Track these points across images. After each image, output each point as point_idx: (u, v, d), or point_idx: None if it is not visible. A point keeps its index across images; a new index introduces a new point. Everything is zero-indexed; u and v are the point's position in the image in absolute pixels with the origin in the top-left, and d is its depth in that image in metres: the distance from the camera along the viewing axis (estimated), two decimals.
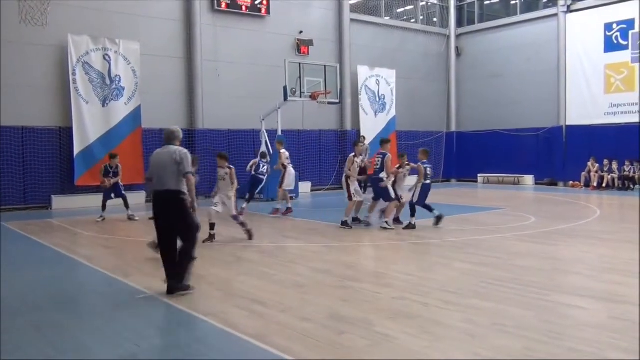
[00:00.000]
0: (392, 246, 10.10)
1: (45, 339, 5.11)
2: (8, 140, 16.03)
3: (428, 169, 11.70)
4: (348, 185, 12.04)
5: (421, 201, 11.58)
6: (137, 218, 13.73)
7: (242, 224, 10.35)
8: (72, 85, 16.69)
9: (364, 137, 21.55)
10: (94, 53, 17.11)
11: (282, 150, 14.80)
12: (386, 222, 11.51)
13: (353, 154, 12.32)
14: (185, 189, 6.52)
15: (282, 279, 7.35)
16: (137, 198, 17.51)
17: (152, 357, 4.68)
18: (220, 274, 7.49)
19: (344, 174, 12.21)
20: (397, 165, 12.30)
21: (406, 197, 11.99)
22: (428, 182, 11.68)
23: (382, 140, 12.61)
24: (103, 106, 17.30)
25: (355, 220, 12.19)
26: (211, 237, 10.12)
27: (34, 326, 5.46)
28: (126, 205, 13.93)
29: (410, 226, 11.43)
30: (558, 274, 7.56)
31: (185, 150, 6.62)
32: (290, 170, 14.74)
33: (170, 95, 18.98)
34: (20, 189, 16.30)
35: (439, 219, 11.54)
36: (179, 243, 6.66)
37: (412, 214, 11.54)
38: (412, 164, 12.31)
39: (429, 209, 11.58)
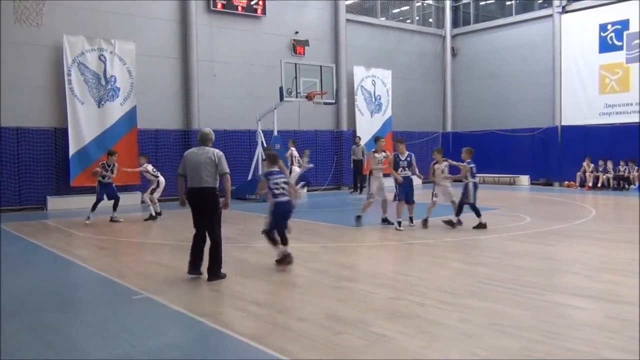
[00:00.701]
0: (388, 246, 10.10)
1: (41, 340, 5.08)
2: (3, 141, 15.95)
3: (473, 167, 11.59)
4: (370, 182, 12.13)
5: (468, 200, 11.49)
6: (121, 220, 13.58)
7: None
8: (67, 85, 16.62)
9: (360, 138, 21.61)
10: (90, 53, 17.04)
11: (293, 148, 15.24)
12: (398, 222, 11.43)
13: (374, 149, 12.39)
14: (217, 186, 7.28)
15: (279, 279, 7.34)
16: (133, 199, 17.50)
17: (148, 357, 4.66)
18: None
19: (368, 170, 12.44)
20: (433, 162, 12.16)
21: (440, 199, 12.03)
22: (475, 180, 11.57)
23: (397, 140, 12.61)
24: (98, 107, 17.24)
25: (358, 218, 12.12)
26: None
27: (30, 327, 5.43)
28: (115, 207, 13.66)
29: (482, 225, 11.21)
30: (555, 274, 7.57)
31: (221, 152, 7.31)
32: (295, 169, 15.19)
33: (166, 95, 18.93)
34: (16, 190, 16.22)
35: (481, 225, 11.24)
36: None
37: (478, 214, 11.35)
38: (451, 161, 12.29)
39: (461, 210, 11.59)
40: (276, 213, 7.81)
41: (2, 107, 15.83)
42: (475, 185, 11.56)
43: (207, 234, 7.38)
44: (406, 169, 11.82)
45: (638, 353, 4.46)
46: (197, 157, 7.22)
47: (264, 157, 15.27)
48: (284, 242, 7.88)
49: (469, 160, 11.66)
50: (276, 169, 8.05)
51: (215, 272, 7.21)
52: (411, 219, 11.93)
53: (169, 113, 18.92)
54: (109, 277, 7.56)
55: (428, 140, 25.85)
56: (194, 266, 7.33)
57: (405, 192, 11.73)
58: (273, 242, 7.86)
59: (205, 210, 7.21)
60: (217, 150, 7.29)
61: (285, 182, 7.93)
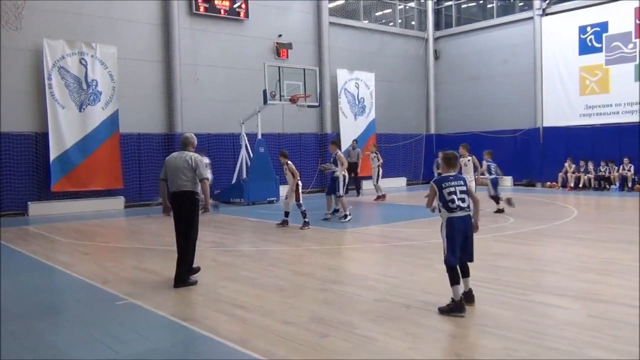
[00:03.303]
0: (373, 248, 10.12)
1: (23, 348, 5.02)
2: None
3: (491, 166, 14.40)
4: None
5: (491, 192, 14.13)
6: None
7: (303, 213, 12.13)
8: (47, 89, 16.41)
9: (356, 142, 21.86)
10: (70, 57, 16.86)
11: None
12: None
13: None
14: (199, 190, 7.31)
15: (264, 282, 7.32)
16: (116, 203, 17.37)
17: None
18: (201, 279, 7.43)
19: None
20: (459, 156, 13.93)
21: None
22: (493, 176, 14.27)
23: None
24: (80, 111, 17.05)
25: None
26: (284, 222, 12.51)
27: (11, 334, 5.35)
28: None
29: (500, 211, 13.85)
30: (537, 274, 7.64)
31: (200, 157, 7.39)
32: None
33: (148, 99, 18.79)
34: None
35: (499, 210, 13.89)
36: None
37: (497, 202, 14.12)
38: (474, 157, 14.37)
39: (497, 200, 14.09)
40: (453, 234, 5.78)
41: None
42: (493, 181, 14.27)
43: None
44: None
45: (620, 351, 4.53)
46: (175, 162, 7.29)
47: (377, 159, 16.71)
48: (464, 273, 5.92)
49: (490, 160, 14.40)
50: (453, 173, 6.03)
51: (181, 279, 7.16)
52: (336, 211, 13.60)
53: (151, 117, 18.79)
54: (92, 283, 7.49)
55: (412, 142, 25.98)
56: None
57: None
58: (453, 278, 5.75)
59: (184, 214, 7.26)
60: (195, 155, 7.35)
61: (464, 192, 5.85)
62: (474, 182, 13.73)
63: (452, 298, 5.66)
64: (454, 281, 5.71)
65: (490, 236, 10.70)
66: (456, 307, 5.60)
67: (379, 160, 18.82)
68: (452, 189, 5.80)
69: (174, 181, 7.26)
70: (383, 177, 19.53)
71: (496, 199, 14.13)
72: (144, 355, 4.80)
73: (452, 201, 5.78)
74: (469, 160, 14.09)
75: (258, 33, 21.09)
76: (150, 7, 18.76)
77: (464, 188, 5.87)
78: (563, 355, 4.48)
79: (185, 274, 7.20)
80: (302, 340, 4.96)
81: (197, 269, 7.51)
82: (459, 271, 5.79)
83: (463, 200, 5.81)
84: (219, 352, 4.84)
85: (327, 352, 4.69)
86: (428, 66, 27.31)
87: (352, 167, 20.81)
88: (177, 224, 7.35)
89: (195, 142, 7.59)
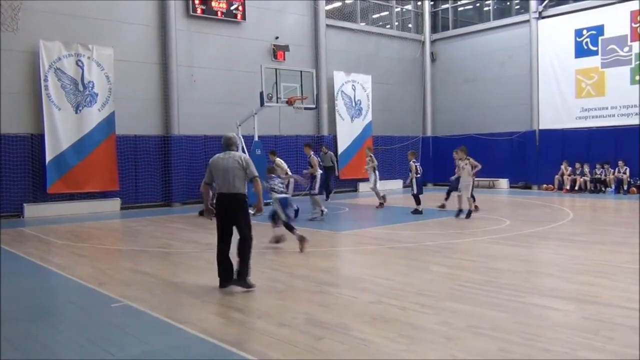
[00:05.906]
0: (368, 250, 10.14)
1: (17, 351, 5.01)
2: None
3: (418, 166, 15.16)
4: None
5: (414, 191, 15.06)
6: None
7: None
8: (43, 91, 16.38)
9: (327, 147, 21.81)
10: (67, 59, 16.84)
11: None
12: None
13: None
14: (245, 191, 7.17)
15: (259, 285, 7.31)
16: (112, 205, 17.35)
17: None
18: (196, 281, 7.43)
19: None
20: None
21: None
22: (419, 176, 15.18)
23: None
24: (76, 112, 17.03)
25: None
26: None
27: (5, 338, 5.34)
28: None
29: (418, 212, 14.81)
30: (532, 276, 7.66)
31: (248, 156, 7.27)
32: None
33: (145, 101, 18.78)
34: None
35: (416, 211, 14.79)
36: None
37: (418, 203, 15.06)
38: (472, 160, 14.49)
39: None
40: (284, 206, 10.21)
41: None
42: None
43: (229, 242, 7.14)
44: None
45: (614, 353, 4.55)
46: (225, 162, 7.07)
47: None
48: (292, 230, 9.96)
49: (414, 160, 15.16)
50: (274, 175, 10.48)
51: (244, 273, 6.91)
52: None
53: (148, 119, 18.77)
54: (88, 285, 7.48)
55: (408, 144, 26.00)
56: (225, 278, 7.07)
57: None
58: (290, 229, 10.08)
59: (240, 217, 7.02)
60: (243, 154, 7.20)
61: (282, 184, 10.48)
62: (471, 183, 13.94)
63: (300, 236, 9.71)
64: (292, 230, 9.91)
65: (486, 238, 10.73)
66: (301, 239, 9.66)
67: (372, 162, 18.08)
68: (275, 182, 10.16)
69: (224, 183, 7.01)
70: (380, 179, 19.43)
71: (417, 197, 14.90)
72: (139, 357, 4.79)
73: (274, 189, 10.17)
74: (466, 164, 14.10)
75: (255, 35, 21.11)
76: (147, 8, 18.76)
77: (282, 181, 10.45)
78: (557, 356, 4.49)
79: (246, 273, 6.95)
80: (297, 343, 4.96)
81: (252, 285, 7.17)
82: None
83: (281, 187, 10.33)
84: (215, 355, 4.83)
85: (323, 354, 4.70)
86: (425, 69, 27.37)
87: (331, 170, 20.47)
88: (225, 226, 7.05)
89: (238, 142, 7.47)
